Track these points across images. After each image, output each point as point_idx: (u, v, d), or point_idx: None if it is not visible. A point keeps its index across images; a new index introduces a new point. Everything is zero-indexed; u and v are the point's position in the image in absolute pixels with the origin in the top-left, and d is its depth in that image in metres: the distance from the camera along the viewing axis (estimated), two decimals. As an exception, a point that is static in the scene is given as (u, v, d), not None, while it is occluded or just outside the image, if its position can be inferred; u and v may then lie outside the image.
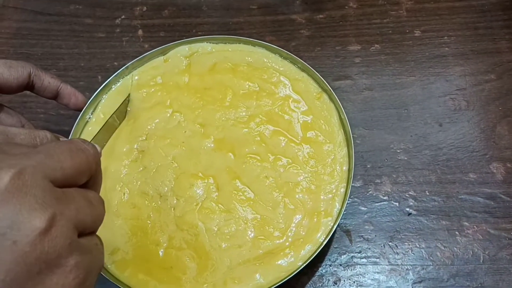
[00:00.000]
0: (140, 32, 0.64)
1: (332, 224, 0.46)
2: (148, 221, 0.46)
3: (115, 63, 0.62)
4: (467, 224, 0.50)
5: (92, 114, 0.51)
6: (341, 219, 0.50)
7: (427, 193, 0.52)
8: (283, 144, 0.50)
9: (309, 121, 0.51)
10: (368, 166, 0.54)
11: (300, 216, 0.46)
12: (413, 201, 0.51)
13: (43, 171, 0.25)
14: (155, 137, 0.50)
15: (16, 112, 0.47)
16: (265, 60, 0.54)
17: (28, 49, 0.64)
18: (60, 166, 0.26)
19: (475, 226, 0.50)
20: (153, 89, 0.53)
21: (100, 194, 0.41)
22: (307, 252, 0.45)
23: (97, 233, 0.32)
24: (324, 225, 0.46)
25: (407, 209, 0.51)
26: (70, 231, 0.25)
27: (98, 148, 0.33)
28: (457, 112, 0.56)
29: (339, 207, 0.46)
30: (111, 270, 0.44)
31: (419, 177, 0.53)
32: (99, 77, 0.61)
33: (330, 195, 0.47)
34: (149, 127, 0.51)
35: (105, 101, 0.52)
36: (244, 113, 0.51)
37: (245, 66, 0.54)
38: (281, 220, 0.46)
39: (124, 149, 0.50)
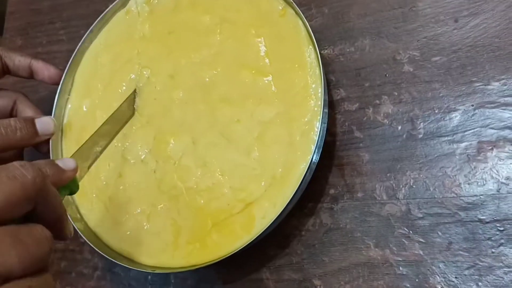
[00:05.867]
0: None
1: (310, 158, 0.41)
2: (134, 188, 0.47)
3: (109, 4, 0.57)
4: (484, 146, 0.41)
5: (71, 87, 0.52)
6: (335, 151, 0.45)
7: (436, 111, 0.43)
8: (251, 81, 0.45)
9: (274, 47, 0.45)
10: (366, 85, 0.46)
11: (277, 154, 0.43)
12: (418, 122, 0.44)
13: None
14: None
15: (7, 91, 0.49)
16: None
17: (38, 5, 0.66)
18: None
19: (493, 148, 0.41)
20: (120, 47, 0.51)
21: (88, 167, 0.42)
22: (291, 190, 0.41)
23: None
24: (304, 160, 0.41)
25: (411, 132, 0.43)
26: None
27: (71, 164, 0.33)
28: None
29: (317, 138, 0.41)
30: (104, 240, 0.46)
31: (426, 92, 0.44)
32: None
33: (306, 127, 0.42)
34: (120, 91, 0.49)
35: (81, 68, 0.52)
36: (208, 53, 0.47)
37: None
38: (257, 166, 0.43)
39: (104, 117, 0.49)
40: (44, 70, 0.49)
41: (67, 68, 0.51)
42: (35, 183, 0.26)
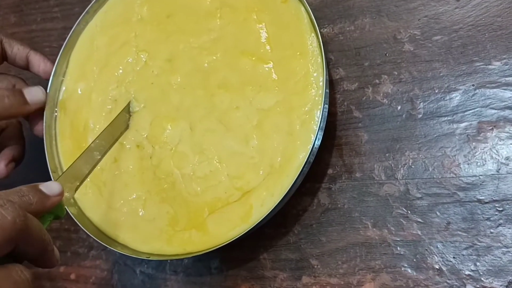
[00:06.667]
0: None
1: (310, 148, 0.40)
2: (129, 174, 0.46)
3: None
4: (484, 126, 0.41)
5: (66, 69, 0.51)
6: (334, 131, 0.45)
7: (436, 91, 0.43)
8: (251, 67, 0.44)
9: (276, 33, 0.44)
10: (366, 64, 0.45)
11: (276, 143, 0.42)
12: (417, 102, 0.43)
13: None
14: (126, 83, 0.48)
15: (6, 75, 0.49)
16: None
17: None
18: None
19: (493, 128, 0.41)
20: (117, 30, 0.50)
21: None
22: (290, 179, 0.41)
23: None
24: (303, 150, 0.41)
25: (411, 112, 0.43)
26: None
27: (56, 189, 0.32)
28: (482, -24, 0.44)
29: (317, 128, 0.41)
30: (98, 225, 0.46)
31: (426, 71, 0.43)
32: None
33: (307, 116, 0.42)
34: (116, 74, 0.49)
35: (76, 50, 0.51)
36: (208, 38, 0.46)
37: None
38: (255, 154, 0.42)
39: (99, 100, 0.49)
40: (40, 63, 0.48)
41: (61, 50, 0.50)
42: (15, 223, 0.26)
